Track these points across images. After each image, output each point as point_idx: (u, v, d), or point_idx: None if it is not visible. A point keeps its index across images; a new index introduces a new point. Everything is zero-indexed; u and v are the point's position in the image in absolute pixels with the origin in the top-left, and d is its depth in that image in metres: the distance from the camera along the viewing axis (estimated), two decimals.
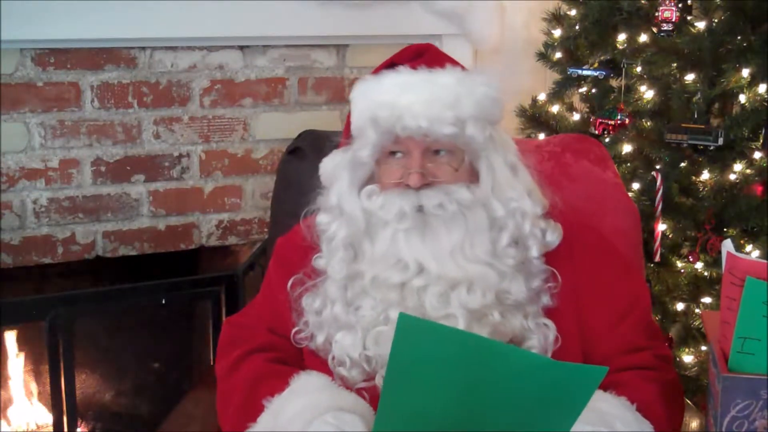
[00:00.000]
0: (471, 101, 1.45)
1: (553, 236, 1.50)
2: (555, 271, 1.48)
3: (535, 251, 1.47)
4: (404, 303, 1.43)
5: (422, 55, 1.52)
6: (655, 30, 2.43)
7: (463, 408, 1.13)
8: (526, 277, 1.46)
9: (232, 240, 2.62)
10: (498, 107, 1.52)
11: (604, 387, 1.39)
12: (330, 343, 1.47)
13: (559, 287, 1.48)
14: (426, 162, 1.45)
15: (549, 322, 1.46)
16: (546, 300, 1.47)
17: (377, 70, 1.54)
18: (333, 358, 1.46)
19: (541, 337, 1.44)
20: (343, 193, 1.50)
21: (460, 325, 1.40)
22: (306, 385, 1.42)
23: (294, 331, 1.52)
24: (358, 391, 1.42)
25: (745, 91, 2.29)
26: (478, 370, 1.11)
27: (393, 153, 1.47)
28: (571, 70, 2.65)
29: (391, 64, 1.53)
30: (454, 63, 1.52)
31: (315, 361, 1.50)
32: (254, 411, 1.42)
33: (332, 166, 1.55)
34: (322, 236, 1.52)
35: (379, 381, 1.42)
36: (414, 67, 1.48)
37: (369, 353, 1.43)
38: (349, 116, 1.57)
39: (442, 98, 1.43)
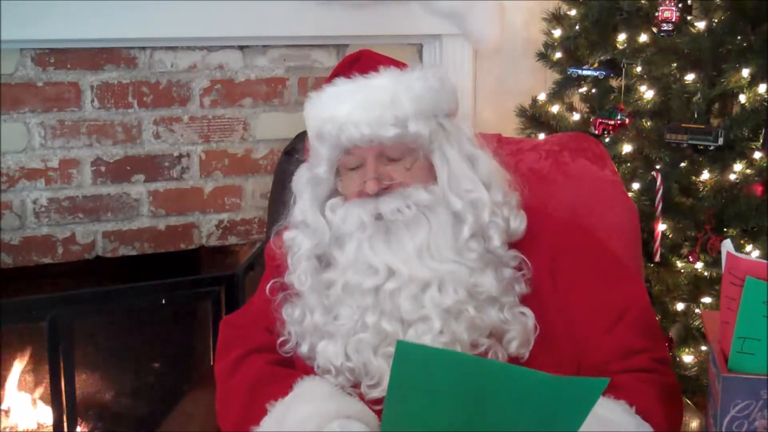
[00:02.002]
0: (409, 98, 1.45)
1: (516, 223, 1.49)
2: (524, 257, 1.48)
3: (496, 240, 1.47)
4: (380, 307, 1.43)
5: (355, 63, 1.52)
6: (655, 30, 2.44)
7: (467, 427, 1.13)
8: (495, 268, 1.46)
9: (232, 240, 2.62)
10: (447, 98, 1.52)
11: (602, 391, 1.39)
12: (315, 351, 1.48)
13: (530, 272, 1.47)
14: (380, 166, 1.45)
15: (526, 310, 1.46)
16: (520, 288, 1.47)
17: (320, 86, 1.55)
18: (318, 366, 1.47)
19: (519, 326, 1.44)
20: (306, 210, 1.51)
21: (436, 325, 1.40)
22: (311, 391, 1.41)
23: (279, 341, 1.52)
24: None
25: (745, 91, 2.29)
26: (478, 391, 1.11)
27: (349, 163, 1.48)
28: (571, 70, 2.65)
29: (331, 77, 1.54)
30: (392, 63, 1.52)
31: (306, 368, 1.50)
32: (256, 415, 1.42)
33: (296, 183, 1.57)
34: (289, 252, 1.53)
35: (364, 389, 1.42)
36: (348, 76, 1.48)
37: (351, 364, 1.43)
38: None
39: (380, 101, 1.44)
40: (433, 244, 1.44)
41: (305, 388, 1.42)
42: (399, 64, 1.53)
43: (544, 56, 2.76)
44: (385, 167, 1.46)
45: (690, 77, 2.36)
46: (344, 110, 1.44)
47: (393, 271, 1.43)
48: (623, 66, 2.52)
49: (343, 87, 1.48)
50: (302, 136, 2.06)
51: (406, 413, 1.14)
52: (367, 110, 1.43)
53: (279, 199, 2.03)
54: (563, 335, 1.47)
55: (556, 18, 2.75)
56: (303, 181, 1.53)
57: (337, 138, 1.44)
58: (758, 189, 2.28)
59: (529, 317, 1.45)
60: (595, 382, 1.10)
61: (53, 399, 2.35)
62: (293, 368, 1.50)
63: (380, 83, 1.46)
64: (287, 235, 1.54)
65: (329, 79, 1.53)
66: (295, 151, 2.01)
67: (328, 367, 1.45)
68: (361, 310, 1.44)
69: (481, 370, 1.13)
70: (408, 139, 1.45)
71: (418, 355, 1.13)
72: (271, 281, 1.55)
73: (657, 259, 2.41)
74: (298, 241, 1.51)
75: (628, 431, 1.32)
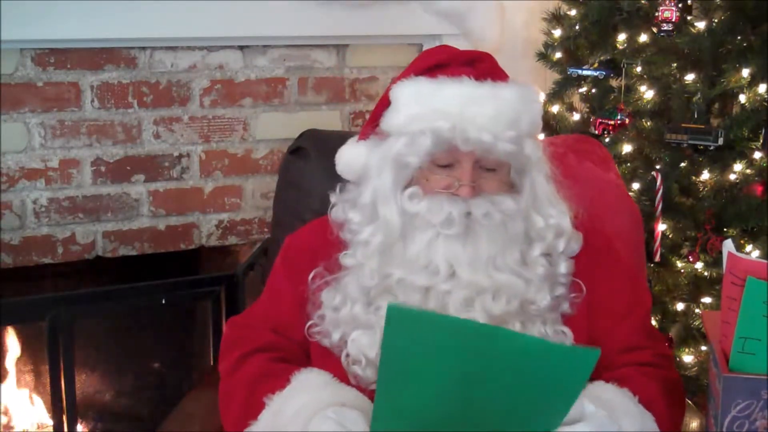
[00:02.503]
0: (528, 118, 1.46)
1: (575, 246, 1.50)
2: (581, 282, 1.48)
3: (563, 268, 1.48)
4: (426, 305, 1.42)
5: (477, 63, 1.49)
6: (655, 30, 2.44)
7: (461, 395, 1.13)
8: (551, 286, 1.46)
9: (232, 240, 2.62)
10: (541, 121, 1.54)
11: (606, 381, 1.40)
12: (345, 341, 1.46)
13: (581, 298, 1.48)
14: (475, 174, 1.43)
15: (566, 329, 1.46)
16: (565, 308, 1.47)
17: (421, 69, 1.51)
18: (347, 355, 1.45)
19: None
20: (382, 192, 1.47)
21: None
22: (307, 382, 1.41)
23: (308, 324, 1.50)
24: (371, 392, 1.40)
25: (745, 91, 2.29)
26: (472, 356, 1.10)
27: (442, 160, 1.45)
28: (571, 70, 2.65)
29: (438, 65, 1.50)
30: (504, 73, 1.52)
31: (324, 358, 1.49)
32: (256, 410, 1.42)
33: (363, 161, 1.53)
34: (354, 237, 1.50)
35: None
36: (477, 78, 1.46)
37: None
38: (378, 109, 1.55)
39: (505, 115, 1.43)
40: (501, 255, 1.44)
41: (302, 380, 1.42)
42: (506, 76, 1.52)
43: (544, 56, 2.76)
44: (478, 175, 1.44)
45: (690, 77, 2.36)
46: (470, 113, 1.41)
47: (454, 273, 1.43)
48: (623, 66, 2.52)
49: (471, 89, 1.44)
50: (306, 136, 2.06)
51: (400, 378, 1.12)
52: (492, 120, 1.41)
53: (283, 199, 2.03)
54: (583, 341, 1.47)
55: (556, 18, 2.75)
56: (384, 161, 1.48)
57: (453, 137, 1.41)
58: (758, 189, 2.29)
59: (568, 337, 1.46)
60: (589, 351, 1.10)
61: (53, 399, 2.35)
62: (301, 364, 1.49)
63: (507, 96, 1.45)
64: (353, 216, 1.50)
65: (432, 66, 1.50)
66: (299, 150, 2.01)
67: (359, 357, 1.44)
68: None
69: (475, 333, 1.12)
70: (516, 158, 1.45)
71: (410, 319, 1.11)
72: (314, 270, 1.51)
73: (657, 259, 2.41)
74: (369, 232, 1.47)
75: (630, 415, 1.32)
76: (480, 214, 1.42)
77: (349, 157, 1.57)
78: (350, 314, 1.46)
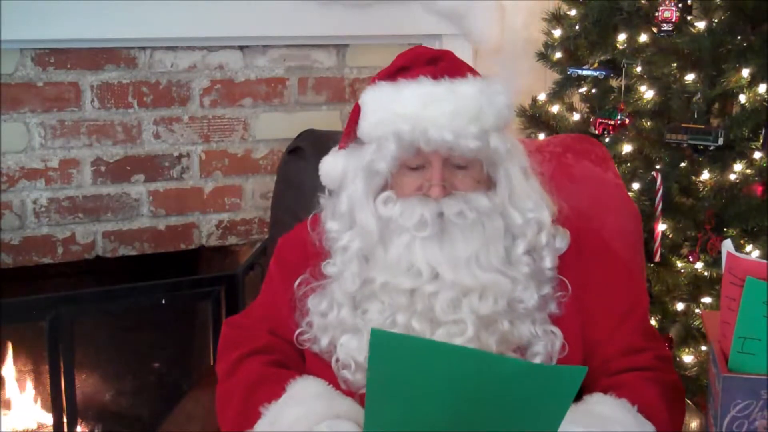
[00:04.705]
0: (492, 112, 1.44)
1: (562, 243, 1.49)
2: (566, 280, 1.47)
3: (548, 262, 1.46)
4: (413, 307, 1.41)
5: (438, 62, 1.48)
6: (655, 30, 2.44)
7: (449, 416, 1.12)
8: (537, 284, 1.45)
9: (232, 240, 2.62)
10: (512, 113, 1.52)
11: (605, 389, 1.39)
12: (334, 346, 1.46)
13: (568, 297, 1.47)
14: (446, 173, 1.43)
15: (556, 329, 1.45)
16: (553, 307, 1.46)
17: (387, 74, 1.50)
18: (337, 360, 1.45)
19: (547, 343, 1.43)
20: (356, 200, 1.47)
21: (469, 331, 1.38)
22: (302, 392, 1.41)
23: (297, 332, 1.50)
24: (362, 396, 1.40)
25: (745, 91, 2.29)
26: (457, 379, 1.10)
27: (411, 162, 1.45)
28: (571, 70, 2.65)
29: (401, 68, 1.49)
30: (470, 69, 1.50)
31: (317, 363, 1.49)
32: (251, 416, 1.41)
33: (340, 170, 1.53)
34: (333, 244, 1.50)
35: None
36: (435, 77, 1.44)
37: None
38: (352, 116, 1.55)
39: (466, 111, 1.41)
40: (484, 253, 1.43)
41: (297, 389, 1.42)
42: (474, 71, 1.50)
43: (544, 56, 2.75)
44: (450, 174, 1.43)
45: (690, 77, 2.35)
46: (430, 113, 1.40)
47: (437, 275, 1.42)
48: (623, 66, 2.52)
49: (429, 88, 1.43)
50: (304, 136, 2.06)
51: (387, 403, 1.12)
52: (453, 118, 1.40)
53: (282, 199, 2.04)
54: (577, 349, 1.47)
55: (556, 18, 2.75)
56: (356, 170, 1.48)
57: (415, 139, 1.40)
58: (758, 189, 2.28)
59: (558, 337, 1.45)
60: (575, 369, 1.10)
61: (53, 399, 2.36)
62: (293, 368, 1.50)
63: (467, 92, 1.43)
64: (331, 225, 1.50)
65: (397, 69, 1.49)
66: (297, 150, 2.01)
67: (348, 362, 1.43)
68: (393, 309, 1.42)
69: (459, 358, 1.12)
70: (484, 154, 1.43)
71: (394, 343, 1.11)
72: (300, 277, 1.51)
73: (657, 259, 2.41)
74: (347, 239, 1.48)
75: (626, 427, 1.31)
76: (452, 213, 1.41)
77: (329, 167, 1.57)
78: (338, 319, 1.46)
